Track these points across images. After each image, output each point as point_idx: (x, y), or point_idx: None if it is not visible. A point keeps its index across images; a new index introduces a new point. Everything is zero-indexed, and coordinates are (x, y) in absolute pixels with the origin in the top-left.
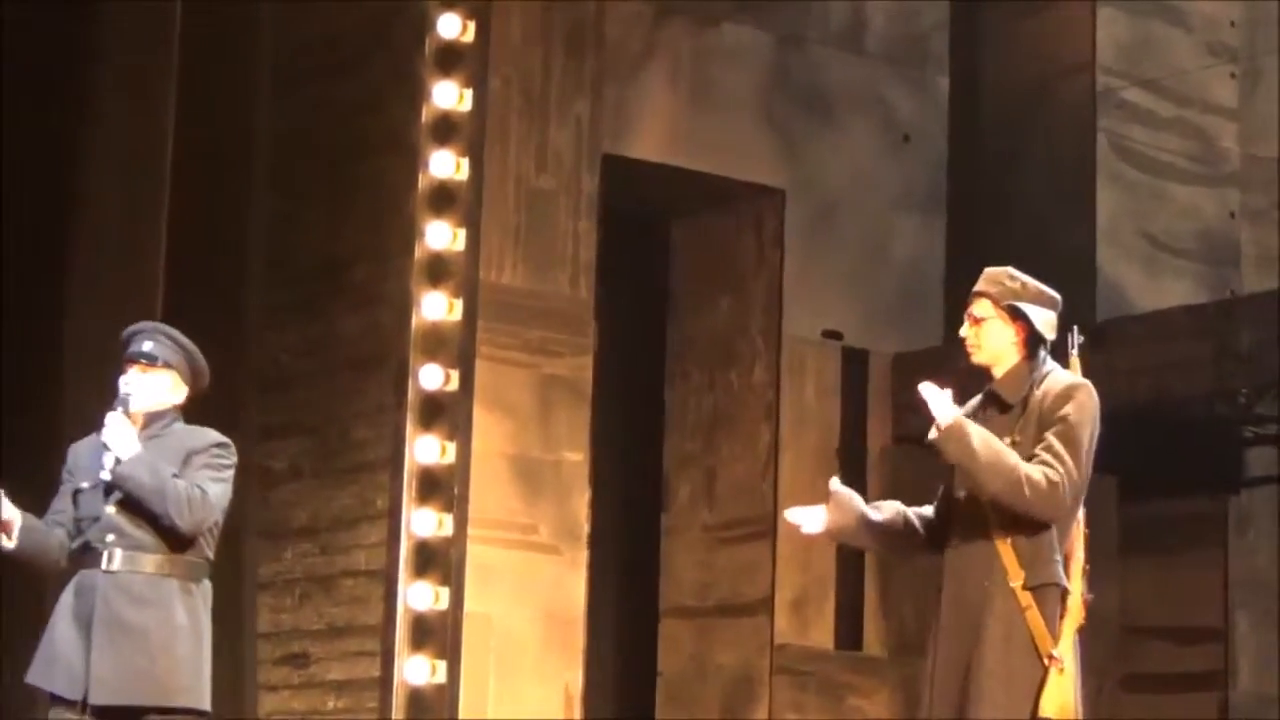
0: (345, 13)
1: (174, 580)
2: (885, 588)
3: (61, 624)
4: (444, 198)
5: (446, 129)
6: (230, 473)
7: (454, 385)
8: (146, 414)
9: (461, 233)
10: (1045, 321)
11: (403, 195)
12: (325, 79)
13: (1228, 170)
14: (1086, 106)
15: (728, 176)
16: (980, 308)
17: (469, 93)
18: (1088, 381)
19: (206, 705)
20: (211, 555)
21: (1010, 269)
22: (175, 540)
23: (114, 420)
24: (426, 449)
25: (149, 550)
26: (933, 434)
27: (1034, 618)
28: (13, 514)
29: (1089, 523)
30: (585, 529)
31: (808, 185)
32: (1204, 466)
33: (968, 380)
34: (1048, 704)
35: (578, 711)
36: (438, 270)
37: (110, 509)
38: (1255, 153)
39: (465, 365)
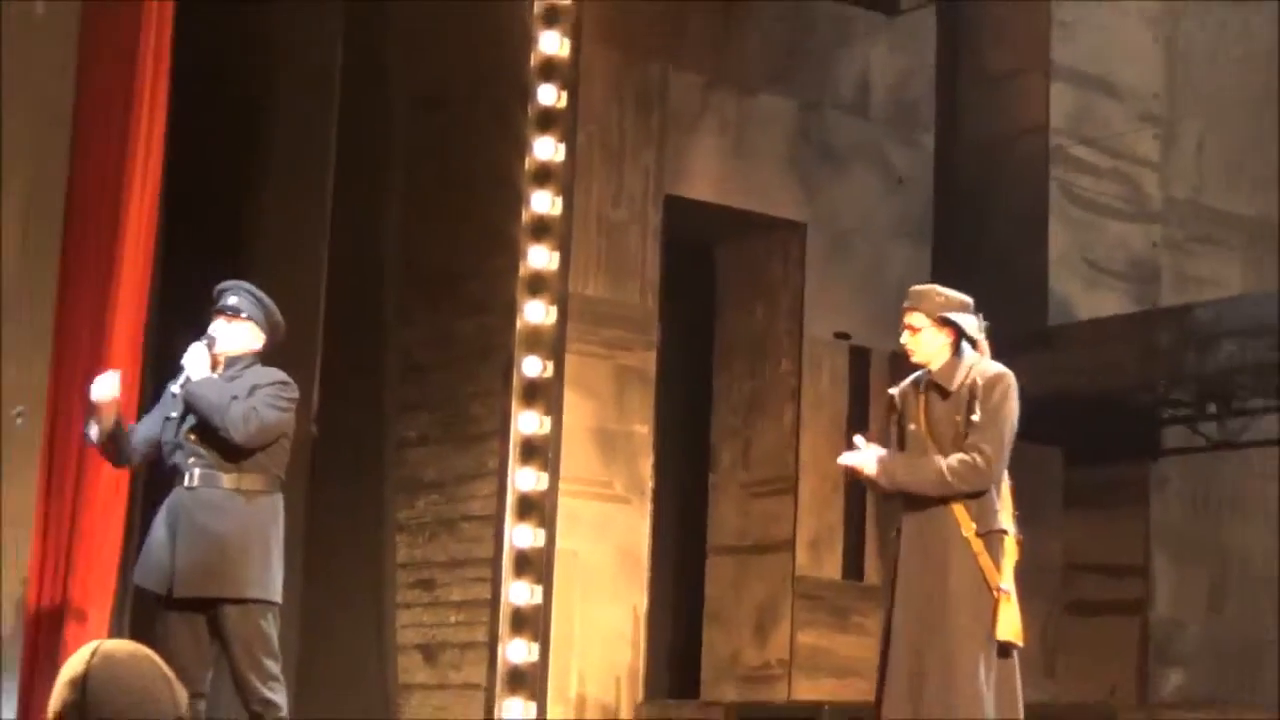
0: (453, 71)
1: (244, 494)
2: (884, 531)
3: (156, 533)
4: (542, 228)
5: (544, 174)
6: (288, 404)
7: (549, 373)
8: (227, 358)
9: (555, 255)
10: (970, 325)
11: (508, 223)
12: (446, 120)
13: (1151, 210)
14: (1042, 159)
15: (762, 212)
16: (915, 319)
17: (562, 146)
18: (1008, 370)
19: (274, 596)
20: (282, 474)
21: (936, 286)
22: (238, 455)
23: (195, 349)
24: (528, 422)
25: (224, 470)
26: (871, 480)
27: (985, 560)
28: (111, 396)
29: (1030, 483)
30: (649, 485)
31: (824, 220)
32: (1130, 441)
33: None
34: (1002, 627)
35: (642, 627)
36: (537, 284)
37: (190, 436)
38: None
39: (558, 357)
